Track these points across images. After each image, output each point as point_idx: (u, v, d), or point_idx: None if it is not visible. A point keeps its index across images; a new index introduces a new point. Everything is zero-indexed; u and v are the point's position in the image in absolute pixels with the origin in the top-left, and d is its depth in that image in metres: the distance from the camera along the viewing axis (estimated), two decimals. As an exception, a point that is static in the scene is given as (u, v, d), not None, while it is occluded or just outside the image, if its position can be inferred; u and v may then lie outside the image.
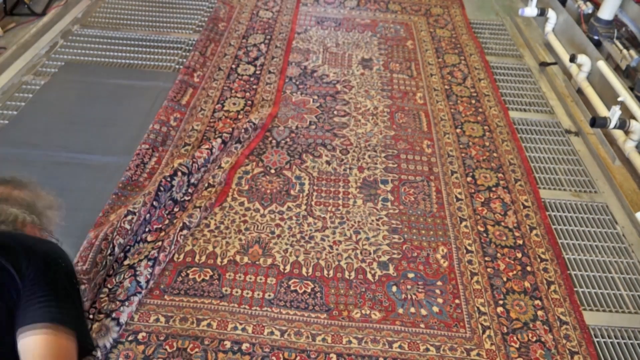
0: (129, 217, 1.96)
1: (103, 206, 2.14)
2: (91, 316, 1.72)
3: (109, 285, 1.82)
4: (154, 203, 2.07)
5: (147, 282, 1.83)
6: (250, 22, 3.54)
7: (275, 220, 2.16)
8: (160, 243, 1.95)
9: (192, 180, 2.26)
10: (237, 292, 1.87)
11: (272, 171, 2.40)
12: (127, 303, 1.75)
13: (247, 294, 1.87)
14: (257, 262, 1.98)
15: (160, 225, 2.07)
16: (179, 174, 2.20)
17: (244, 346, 1.70)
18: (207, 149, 2.35)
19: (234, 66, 3.09)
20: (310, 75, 3.07)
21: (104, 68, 3.02)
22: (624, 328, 1.84)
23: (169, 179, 2.16)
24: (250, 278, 1.92)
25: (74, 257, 1.91)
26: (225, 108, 2.75)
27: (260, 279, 1.92)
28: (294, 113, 2.77)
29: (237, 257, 2.00)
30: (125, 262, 1.91)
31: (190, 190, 2.24)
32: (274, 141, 2.57)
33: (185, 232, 2.02)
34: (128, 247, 1.96)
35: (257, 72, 3.06)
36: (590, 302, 1.92)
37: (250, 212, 2.19)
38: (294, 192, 2.30)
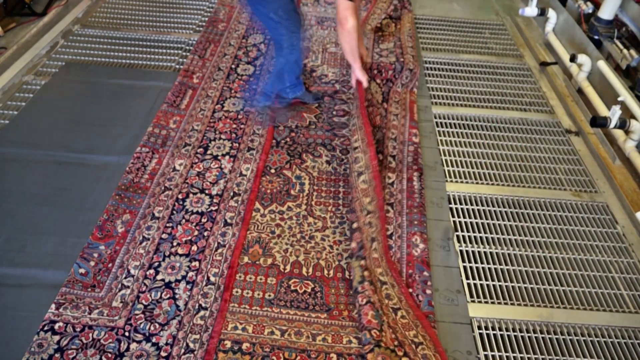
0: (144, 244, 2.01)
1: (104, 206, 2.15)
2: (127, 334, 1.71)
3: (143, 302, 1.81)
4: (168, 224, 2.09)
5: (186, 304, 1.81)
6: (250, 22, 3.54)
7: (275, 220, 2.16)
8: (197, 264, 1.95)
9: (214, 193, 2.25)
10: (237, 291, 1.88)
11: (272, 171, 2.40)
12: (166, 327, 1.74)
13: (247, 293, 1.87)
14: (257, 262, 1.99)
15: (189, 237, 2.06)
16: (191, 195, 2.22)
17: (244, 346, 1.71)
18: (217, 167, 2.37)
19: (233, 66, 3.09)
20: (309, 75, 3.07)
21: (105, 68, 3.03)
22: (624, 328, 1.84)
23: (180, 202, 2.19)
24: (250, 278, 1.93)
25: (78, 267, 1.92)
26: (225, 108, 2.75)
27: (261, 279, 1.93)
28: (293, 112, 2.76)
29: (237, 257, 2.00)
30: (159, 277, 1.90)
31: (215, 201, 2.22)
32: (273, 141, 2.57)
33: (220, 250, 2.02)
34: (157, 263, 1.95)
35: (257, 72, 3.06)
36: (590, 302, 1.92)
37: (250, 212, 2.19)
38: (294, 192, 2.30)
